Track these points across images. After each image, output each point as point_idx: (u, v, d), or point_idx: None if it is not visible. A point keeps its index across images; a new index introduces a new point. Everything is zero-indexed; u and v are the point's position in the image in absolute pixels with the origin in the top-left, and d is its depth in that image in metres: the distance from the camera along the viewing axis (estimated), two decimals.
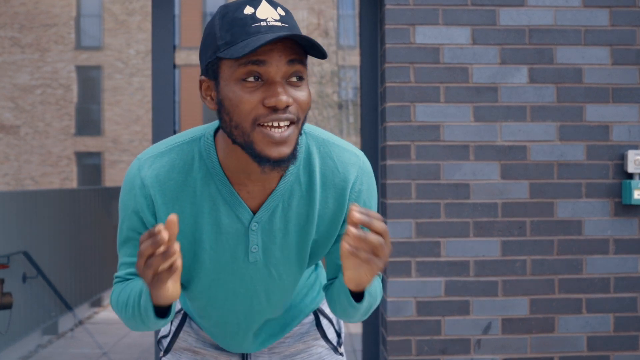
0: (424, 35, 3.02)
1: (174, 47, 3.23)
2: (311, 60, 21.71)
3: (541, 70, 3.04)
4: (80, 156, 22.63)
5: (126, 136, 22.58)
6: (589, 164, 3.05)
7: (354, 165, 1.33)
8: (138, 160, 1.31)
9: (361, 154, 1.36)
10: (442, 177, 3.01)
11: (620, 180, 3.05)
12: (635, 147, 3.05)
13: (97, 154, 22.66)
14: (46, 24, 22.30)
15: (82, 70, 22.65)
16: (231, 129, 1.19)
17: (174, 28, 3.23)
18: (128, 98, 22.58)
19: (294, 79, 1.18)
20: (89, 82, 22.72)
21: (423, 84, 3.01)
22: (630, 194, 2.99)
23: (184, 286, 1.43)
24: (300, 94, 1.18)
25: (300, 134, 1.21)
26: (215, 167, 1.27)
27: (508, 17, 3.03)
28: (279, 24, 1.16)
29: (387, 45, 3.00)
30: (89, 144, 22.49)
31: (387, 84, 3.00)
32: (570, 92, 3.04)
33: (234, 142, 1.19)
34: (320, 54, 1.17)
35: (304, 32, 21.70)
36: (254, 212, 1.30)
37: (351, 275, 1.17)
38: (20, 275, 5.33)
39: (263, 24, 1.15)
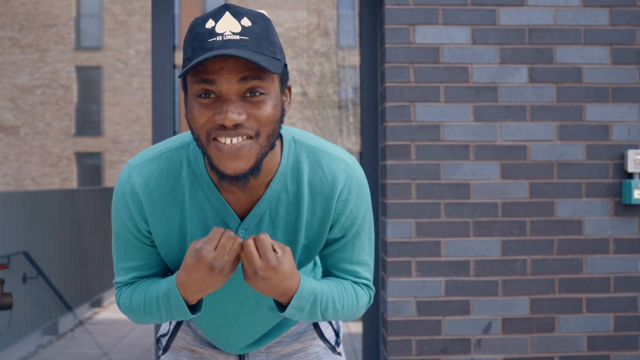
0: (424, 35, 3.02)
1: (174, 47, 3.23)
2: (311, 59, 21.70)
3: (541, 69, 3.04)
4: (80, 156, 22.64)
5: (126, 136, 22.58)
6: (589, 164, 3.05)
7: (342, 173, 1.31)
8: (128, 167, 1.31)
9: (352, 161, 1.34)
10: (442, 177, 3.01)
11: (620, 179, 3.05)
12: (635, 147, 3.05)
13: (97, 154, 22.67)
14: (46, 24, 22.30)
15: (82, 71, 22.65)
16: (196, 140, 1.19)
17: (174, 28, 3.23)
18: (128, 98, 22.58)
19: (252, 95, 1.15)
20: (89, 82, 22.72)
21: (423, 83, 3.01)
22: (630, 194, 2.99)
23: None
24: (259, 109, 1.15)
25: (270, 147, 1.20)
26: (203, 173, 1.28)
27: (508, 16, 3.03)
28: (237, 37, 1.13)
29: (387, 45, 3.00)
30: (89, 144, 22.49)
31: (387, 84, 3.00)
32: (570, 92, 3.04)
33: (202, 152, 1.21)
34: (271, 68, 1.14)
35: (303, 32, 21.67)
36: (242, 219, 1.30)
37: None
38: (20, 275, 5.33)
39: (219, 38, 1.13)
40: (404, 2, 3.01)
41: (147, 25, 22.56)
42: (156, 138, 3.23)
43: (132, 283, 1.38)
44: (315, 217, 1.31)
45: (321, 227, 1.32)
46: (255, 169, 1.18)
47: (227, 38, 1.13)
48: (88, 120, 22.62)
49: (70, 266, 6.51)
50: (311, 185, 1.30)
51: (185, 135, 1.33)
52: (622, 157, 3.05)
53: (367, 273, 1.41)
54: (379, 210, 3.26)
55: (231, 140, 1.15)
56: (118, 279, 1.39)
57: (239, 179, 1.17)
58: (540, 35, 3.04)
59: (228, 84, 1.13)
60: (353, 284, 1.40)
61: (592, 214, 3.05)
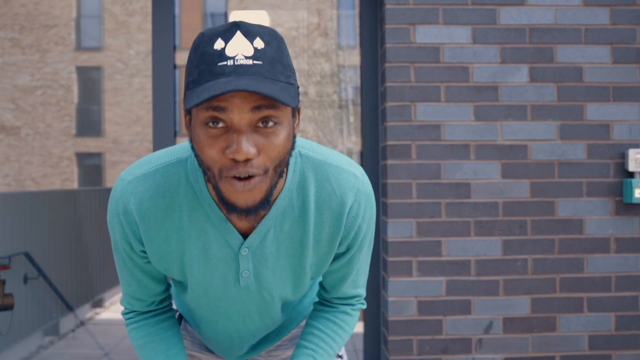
0: (424, 34, 3.02)
1: (174, 48, 3.23)
2: (311, 59, 21.70)
3: (541, 69, 3.04)
4: (81, 157, 22.64)
5: (127, 137, 22.59)
6: (589, 163, 3.05)
7: (352, 188, 1.26)
8: (122, 182, 1.23)
9: (361, 173, 1.29)
10: (443, 176, 3.01)
11: (621, 179, 3.05)
12: (636, 146, 3.05)
13: (98, 155, 22.67)
14: (46, 24, 22.31)
15: (82, 71, 22.66)
16: (204, 169, 1.11)
17: (174, 28, 3.23)
18: (128, 99, 22.59)
19: (264, 125, 1.06)
20: (90, 82, 22.72)
21: (423, 83, 3.01)
22: (631, 193, 2.99)
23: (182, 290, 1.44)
24: (271, 141, 1.07)
25: (280, 176, 1.12)
26: (203, 191, 1.20)
27: (508, 16, 3.03)
28: (250, 61, 1.04)
29: (388, 45, 3.00)
30: (89, 144, 22.50)
31: (388, 84, 3.00)
32: (570, 91, 3.04)
33: (208, 180, 1.12)
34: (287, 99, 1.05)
35: (303, 32, 21.68)
36: (245, 235, 1.24)
37: None
38: (21, 276, 5.33)
39: (230, 62, 1.04)
40: (404, 2, 3.01)
41: (148, 26, 22.57)
42: (157, 138, 3.23)
43: (139, 318, 1.39)
44: (323, 234, 1.26)
45: (330, 243, 1.28)
46: (266, 201, 1.11)
47: (238, 62, 1.04)
48: (89, 121, 22.63)
49: (71, 267, 6.51)
50: (318, 201, 1.24)
51: (181, 149, 1.25)
52: (623, 156, 3.05)
53: (363, 289, 1.41)
54: (380, 210, 3.26)
55: (240, 177, 1.08)
56: (125, 305, 1.38)
57: (250, 212, 1.11)
58: (540, 34, 3.04)
59: (240, 113, 1.04)
60: (345, 315, 1.41)
61: (593, 213, 3.05)
